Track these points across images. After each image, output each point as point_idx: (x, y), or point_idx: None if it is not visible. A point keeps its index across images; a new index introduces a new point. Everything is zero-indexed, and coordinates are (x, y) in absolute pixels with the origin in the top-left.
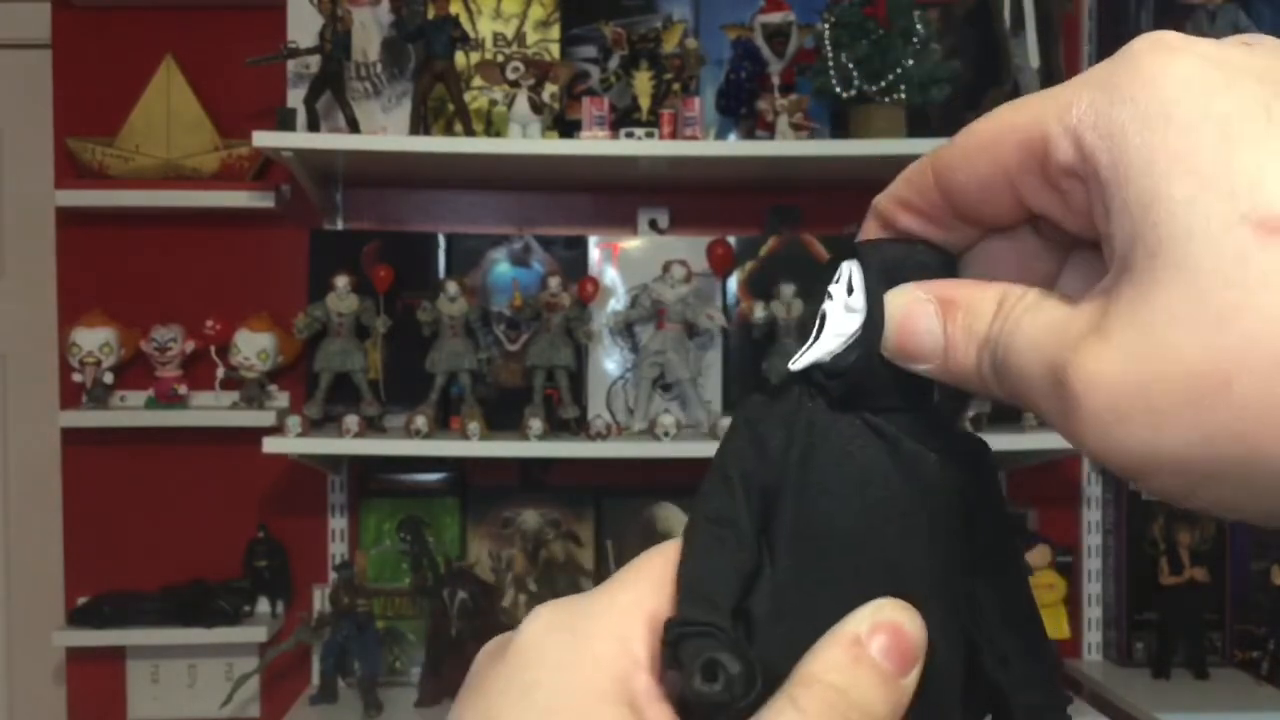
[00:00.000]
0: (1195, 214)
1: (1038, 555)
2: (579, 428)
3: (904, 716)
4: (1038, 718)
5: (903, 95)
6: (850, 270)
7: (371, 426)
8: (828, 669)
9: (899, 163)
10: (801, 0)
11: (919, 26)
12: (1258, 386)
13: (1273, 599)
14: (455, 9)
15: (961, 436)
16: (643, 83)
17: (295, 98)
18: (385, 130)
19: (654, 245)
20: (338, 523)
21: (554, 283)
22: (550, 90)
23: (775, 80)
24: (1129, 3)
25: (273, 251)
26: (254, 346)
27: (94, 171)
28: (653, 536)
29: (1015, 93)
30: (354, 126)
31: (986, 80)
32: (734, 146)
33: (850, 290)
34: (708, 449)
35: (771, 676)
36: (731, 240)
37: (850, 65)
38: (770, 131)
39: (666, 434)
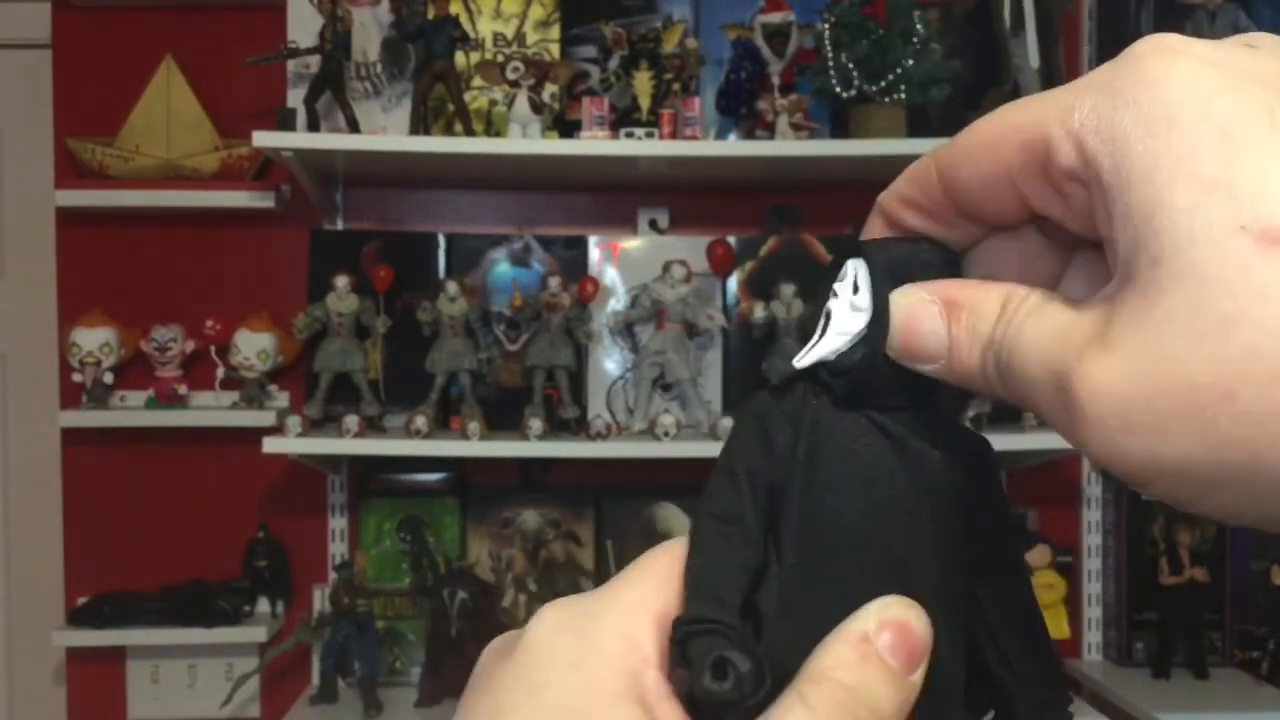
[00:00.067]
0: (1197, 221)
1: (1038, 555)
2: (579, 428)
3: (909, 713)
4: (1040, 714)
5: (903, 95)
6: (855, 269)
7: (371, 426)
8: (836, 666)
9: (899, 163)
10: (801, 0)
11: (919, 26)
12: (1259, 397)
13: (1273, 599)
14: (455, 9)
15: (965, 435)
16: (643, 83)
17: (295, 98)
18: (385, 130)
19: (654, 245)
20: (338, 523)
21: (554, 283)
22: (550, 90)
23: (775, 80)
24: (1129, 3)
25: (273, 251)
26: (254, 346)
27: (94, 171)
28: (653, 536)
29: (1015, 93)
30: (354, 126)
31: (986, 80)
32: (734, 146)
33: (856, 289)
34: (708, 449)
35: (779, 673)
36: (731, 240)
37: (850, 65)
38: (770, 131)
39: (666, 434)
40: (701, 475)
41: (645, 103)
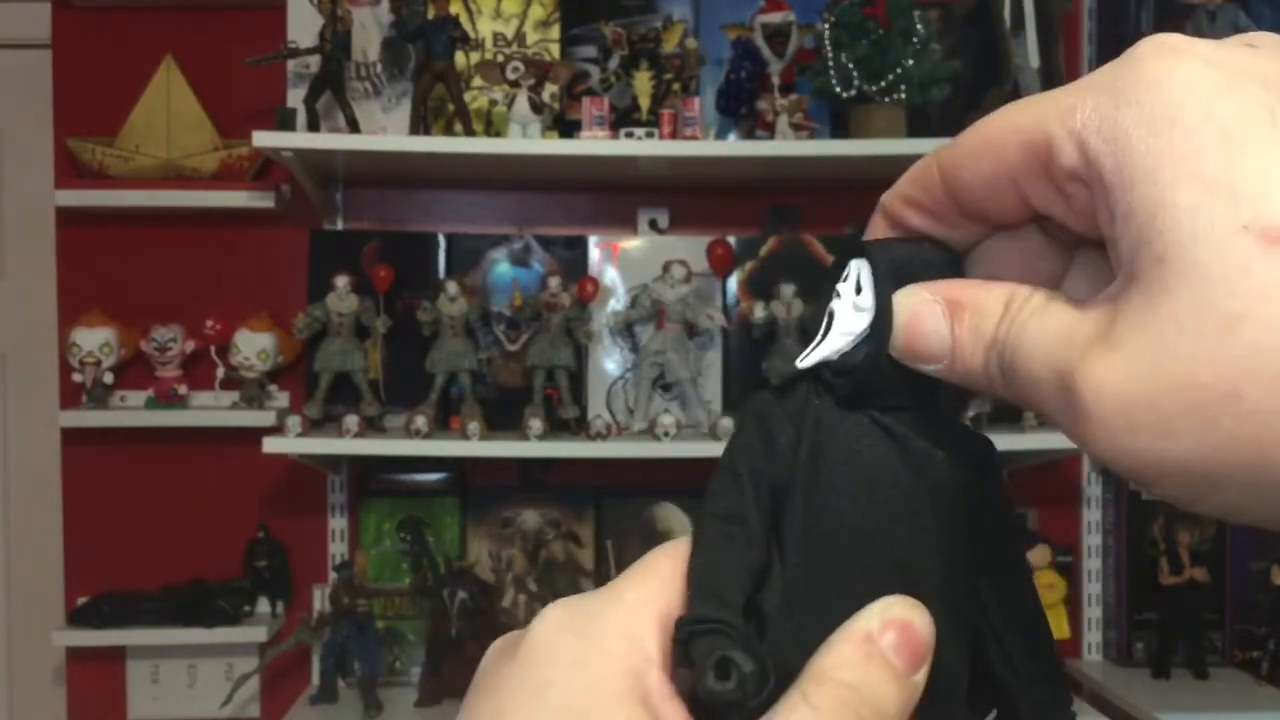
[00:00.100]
0: (1200, 221)
1: (1038, 555)
2: (579, 428)
3: (913, 714)
4: (1044, 714)
5: (903, 95)
6: (858, 269)
7: (371, 426)
8: (840, 666)
9: (899, 163)
10: (801, 0)
11: (919, 26)
12: (1264, 396)
13: (1273, 599)
14: (455, 9)
15: (968, 436)
16: (643, 83)
17: (295, 98)
18: (385, 130)
19: (654, 245)
20: (338, 523)
21: (554, 283)
22: (550, 90)
23: (775, 80)
24: (1129, 3)
25: (273, 251)
26: (254, 346)
27: (94, 171)
28: (653, 536)
29: (1015, 93)
30: (354, 126)
31: (986, 80)
32: (734, 146)
33: (859, 289)
34: (708, 449)
35: (782, 673)
36: (731, 240)
37: (850, 65)
38: (770, 131)
39: (666, 434)
40: (701, 475)
41: (645, 103)
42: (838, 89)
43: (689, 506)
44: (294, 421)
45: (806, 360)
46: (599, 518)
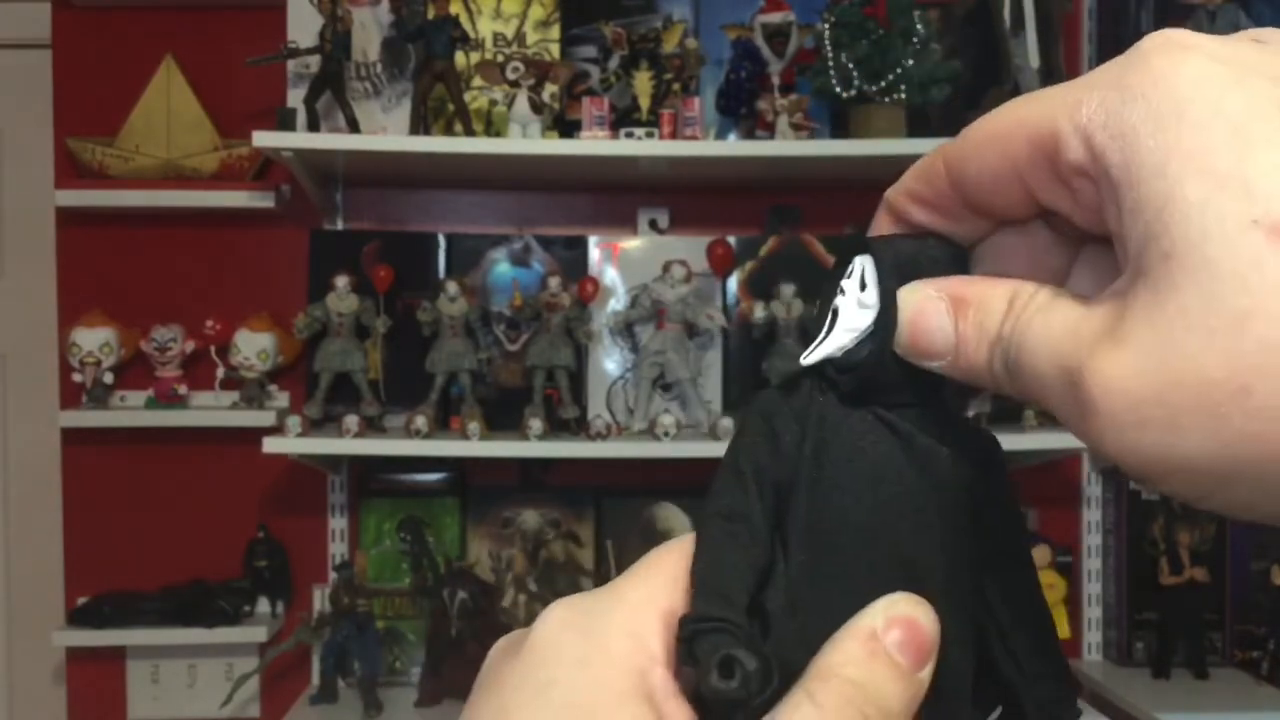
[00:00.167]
0: (1209, 216)
1: (1038, 555)
2: (579, 428)
3: (917, 711)
4: (1048, 711)
5: (903, 95)
6: (863, 265)
7: (371, 426)
8: (844, 663)
9: (899, 163)
10: (801, 0)
11: (919, 26)
12: (1274, 392)
13: (1273, 599)
14: (455, 9)
15: (973, 433)
16: (643, 83)
17: (295, 98)
18: (385, 130)
19: (654, 245)
20: (338, 523)
21: (554, 283)
22: (550, 90)
23: (775, 80)
24: (1129, 3)
25: (273, 251)
26: (254, 346)
27: (94, 171)
28: (653, 536)
29: (1015, 92)
30: (354, 126)
31: (986, 80)
32: (734, 146)
33: (863, 285)
34: (708, 449)
35: (787, 671)
36: (731, 240)
37: (850, 65)
38: (770, 131)
39: (666, 434)
40: (702, 475)
41: (645, 103)
42: (838, 89)
43: (689, 506)
44: (294, 421)
45: (811, 357)
46: (599, 518)
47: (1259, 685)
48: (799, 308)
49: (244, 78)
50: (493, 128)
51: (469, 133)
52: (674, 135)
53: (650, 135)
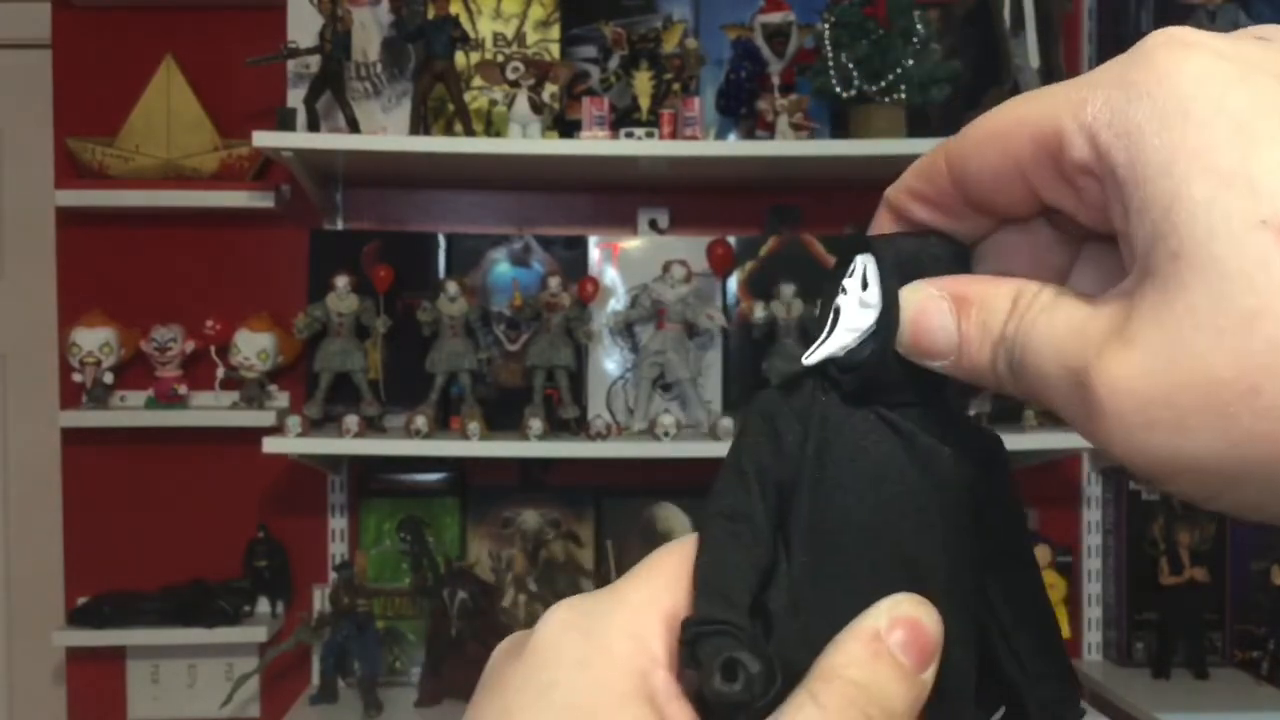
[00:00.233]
0: (1216, 216)
1: (1038, 555)
2: (579, 428)
3: (920, 712)
4: (1052, 712)
5: (903, 95)
6: (864, 264)
7: (371, 426)
8: (847, 664)
9: (899, 163)
10: (801, 0)
11: (919, 26)
12: None
13: (1273, 599)
14: (455, 9)
15: (975, 431)
16: (643, 83)
17: (295, 98)
18: (385, 130)
19: (654, 245)
20: (338, 523)
21: (554, 283)
22: (550, 90)
23: (775, 80)
24: (1129, 3)
25: (273, 251)
26: (254, 346)
27: (94, 171)
28: (653, 536)
29: (1015, 92)
30: (354, 126)
31: (986, 80)
32: (734, 146)
33: (865, 284)
34: (708, 449)
35: (789, 672)
36: (731, 240)
37: (850, 65)
38: (770, 131)
39: (666, 434)
40: (702, 475)
41: (645, 103)
42: (838, 89)
43: (689, 506)
44: (294, 421)
45: (813, 357)
46: (599, 518)
47: (1259, 685)
48: (799, 308)
49: (244, 78)
50: (493, 128)
51: (469, 133)
52: (674, 135)
53: (650, 135)
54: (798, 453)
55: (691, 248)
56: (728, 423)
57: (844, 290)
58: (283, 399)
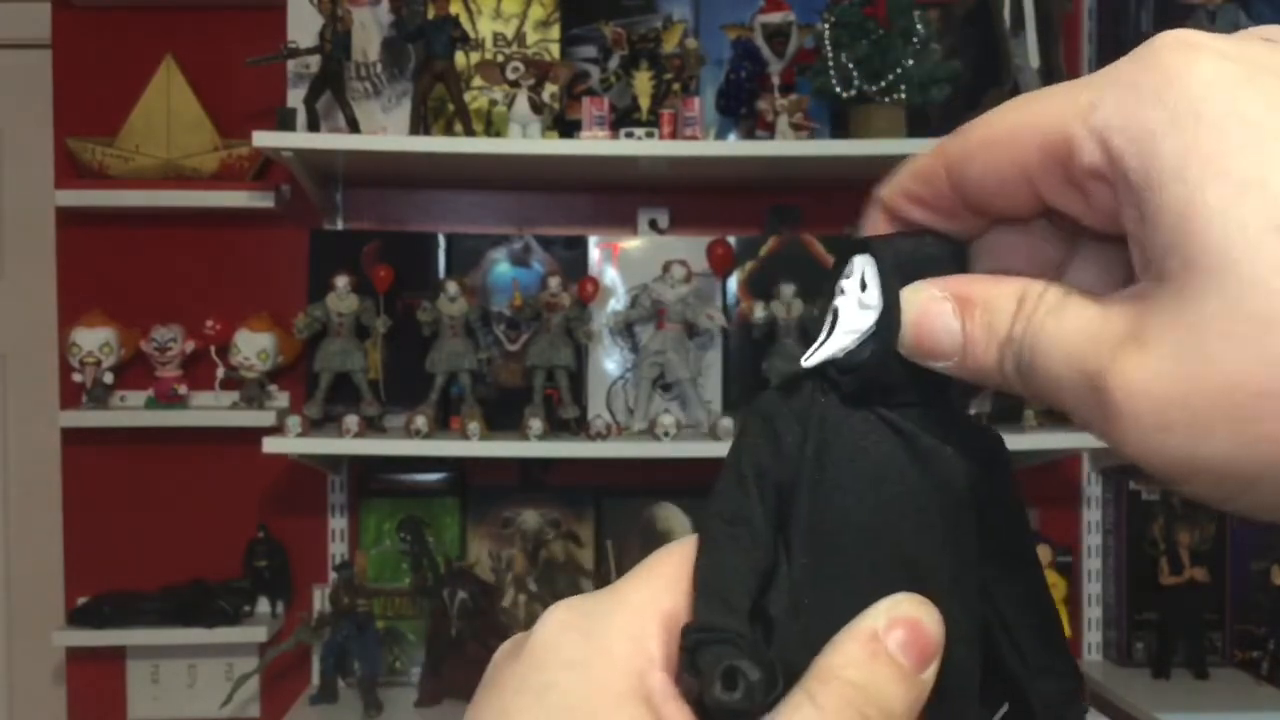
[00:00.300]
0: (1231, 221)
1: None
2: (579, 428)
3: (922, 711)
4: (1055, 708)
5: (903, 95)
6: (863, 265)
7: (371, 426)
8: (845, 665)
9: (899, 163)
10: (801, 0)
11: (919, 26)
12: None
13: (1273, 599)
14: (455, 9)
15: (977, 431)
16: (643, 83)
17: (295, 98)
18: (385, 130)
19: (654, 245)
20: (338, 523)
21: (554, 283)
22: (550, 90)
23: (775, 80)
24: (1129, 3)
25: (273, 251)
26: (254, 346)
27: (94, 171)
28: (653, 536)
29: (1015, 92)
30: (354, 126)
31: (986, 80)
32: (734, 146)
33: (864, 285)
34: (708, 449)
35: (790, 674)
36: (731, 240)
37: (850, 65)
38: (770, 131)
39: (666, 434)
40: (702, 475)
41: (645, 103)
42: (838, 89)
43: (689, 506)
44: (294, 421)
45: (812, 359)
46: (599, 518)
47: (1259, 685)
48: (799, 308)
49: (244, 78)
50: (493, 128)
51: (469, 133)
52: (674, 135)
53: (650, 135)
54: (797, 454)
55: (691, 248)
56: (728, 423)
57: (842, 291)
58: (283, 399)
